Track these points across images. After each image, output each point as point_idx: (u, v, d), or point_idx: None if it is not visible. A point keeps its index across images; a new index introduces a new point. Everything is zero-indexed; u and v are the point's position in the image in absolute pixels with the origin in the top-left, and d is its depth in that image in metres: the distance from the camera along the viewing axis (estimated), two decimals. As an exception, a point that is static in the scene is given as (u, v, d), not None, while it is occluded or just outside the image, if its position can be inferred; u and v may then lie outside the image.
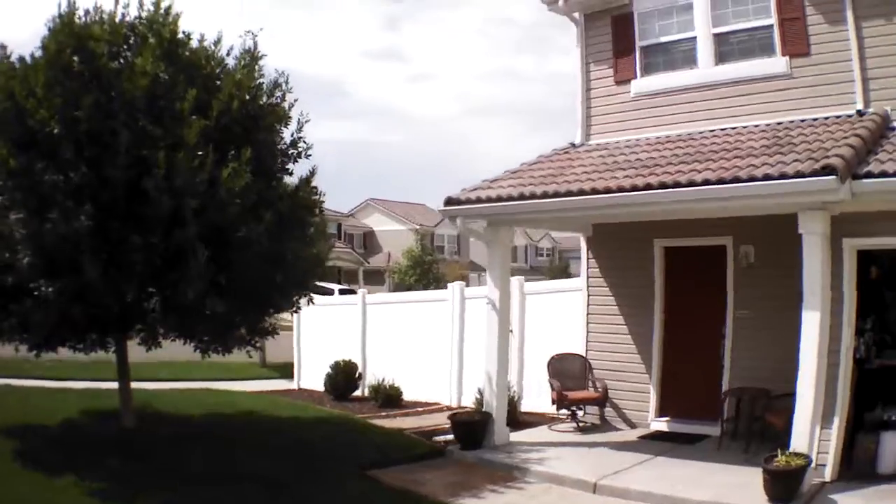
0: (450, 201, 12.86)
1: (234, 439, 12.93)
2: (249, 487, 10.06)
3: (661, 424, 13.51)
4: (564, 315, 15.40)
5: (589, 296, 14.65)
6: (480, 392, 13.94)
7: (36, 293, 10.22)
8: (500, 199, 12.36)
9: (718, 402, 12.52)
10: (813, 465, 9.79)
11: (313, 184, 12.69)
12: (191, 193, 10.18)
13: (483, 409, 13.17)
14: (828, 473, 10.36)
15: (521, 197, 12.08)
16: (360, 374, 20.07)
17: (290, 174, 12.57)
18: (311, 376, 22.27)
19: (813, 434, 9.79)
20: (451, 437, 13.19)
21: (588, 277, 14.72)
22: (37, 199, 10.12)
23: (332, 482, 10.74)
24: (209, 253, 10.39)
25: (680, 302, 13.65)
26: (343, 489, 10.49)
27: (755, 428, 11.60)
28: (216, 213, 10.53)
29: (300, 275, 12.42)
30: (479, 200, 12.57)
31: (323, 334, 22.84)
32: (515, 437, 13.30)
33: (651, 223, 13.12)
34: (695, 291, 13.46)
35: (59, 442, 11.69)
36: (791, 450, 9.60)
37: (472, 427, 12.86)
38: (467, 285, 20.99)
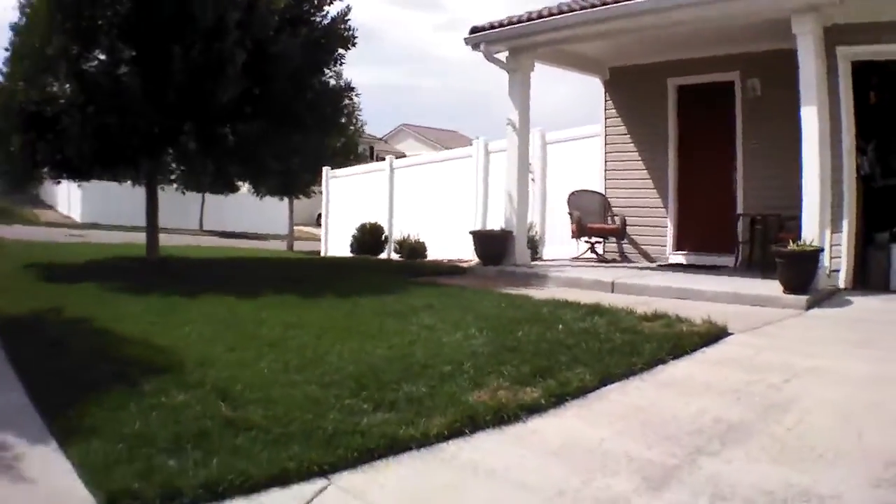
0: (475, 29, 13.33)
1: (257, 265, 13.76)
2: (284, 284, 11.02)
3: (679, 258, 13.91)
4: (584, 162, 15.83)
5: (607, 136, 15.05)
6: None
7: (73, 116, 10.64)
8: (520, 20, 12.79)
9: (733, 234, 12.86)
10: (826, 264, 10.26)
11: (348, 19, 13.25)
12: (233, 6, 10.65)
13: (505, 228, 13.47)
14: (841, 281, 10.84)
15: (540, 16, 12.52)
16: (386, 238, 20.59)
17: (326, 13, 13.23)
18: (338, 244, 22.90)
19: (822, 233, 10.18)
20: (475, 262, 13.60)
21: (606, 119, 15.11)
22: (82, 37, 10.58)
23: (364, 278, 11.20)
24: (246, 59, 10.83)
25: (692, 138, 14.07)
26: (377, 279, 11.21)
27: (769, 253, 11.78)
28: (256, 26, 10.97)
29: (327, 109, 13.22)
30: (500, 25, 13.02)
31: (350, 204, 23.58)
32: (536, 263, 13.82)
33: (664, 64, 13.80)
34: (706, 127, 13.87)
35: (86, 268, 13.22)
36: (802, 241, 9.98)
37: (492, 240, 13.27)
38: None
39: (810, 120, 10.21)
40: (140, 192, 14.34)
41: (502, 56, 13.65)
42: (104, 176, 13.36)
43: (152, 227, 13.37)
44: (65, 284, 11.67)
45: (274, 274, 13.80)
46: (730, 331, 8.19)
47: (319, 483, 4.69)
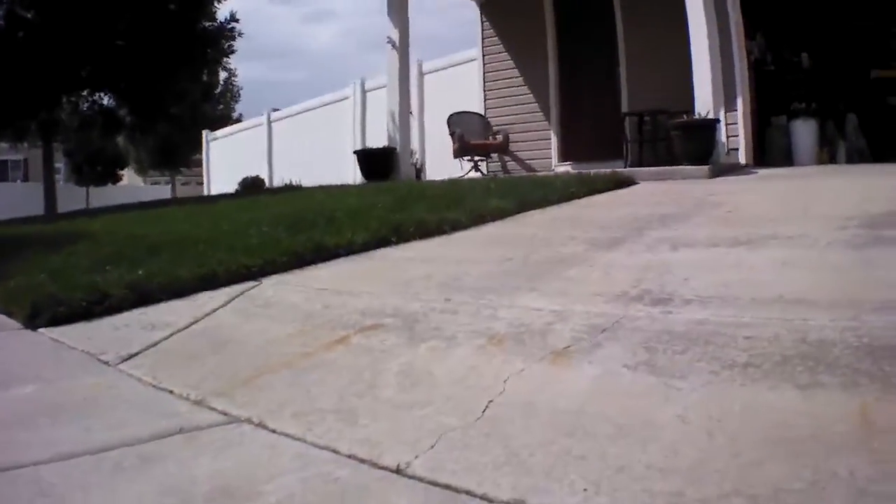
0: None
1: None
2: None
3: (566, 167, 13.55)
4: (463, 89, 15.31)
5: (485, 57, 14.66)
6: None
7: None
8: None
9: (622, 138, 12.65)
10: (724, 140, 10.10)
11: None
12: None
13: (388, 146, 13.10)
14: (742, 157, 10.62)
15: None
16: (267, 188, 19.78)
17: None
18: None
19: (717, 109, 9.93)
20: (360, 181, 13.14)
21: (483, 41, 14.73)
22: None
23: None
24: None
25: (573, 48, 13.73)
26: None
27: (660, 151, 11.62)
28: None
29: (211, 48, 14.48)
30: None
31: (231, 162, 23.16)
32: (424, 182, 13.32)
33: None
34: (587, 35, 13.52)
35: None
36: (696, 114, 9.74)
37: (376, 158, 12.84)
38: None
39: (695, -1, 9.99)
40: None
41: None
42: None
43: (50, 185, 13.34)
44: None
45: (164, 203, 14.07)
46: (637, 181, 8.04)
47: (251, 283, 4.59)
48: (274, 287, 4.54)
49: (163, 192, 35.62)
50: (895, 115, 11.28)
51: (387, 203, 6.75)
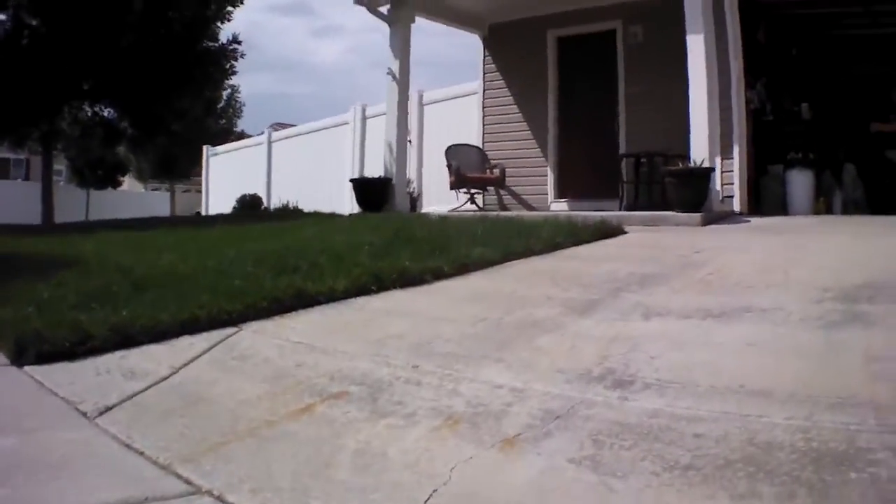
0: None
1: (147, 221, 14.01)
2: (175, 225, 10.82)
3: (562, 205, 13.66)
4: (462, 121, 15.46)
5: (485, 91, 14.80)
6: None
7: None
8: None
9: (617, 178, 12.70)
10: (718, 188, 10.20)
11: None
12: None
13: (385, 176, 13.21)
14: (736, 205, 10.69)
15: None
16: (265, 208, 20.44)
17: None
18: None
19: (713, 157, 9.96)
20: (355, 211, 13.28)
21: (484, 75, 14.87)
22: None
23: (247, 219, 11.19)
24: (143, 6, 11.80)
25: (573, 87, 13.90)
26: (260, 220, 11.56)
27: (655, 194, 11.69)
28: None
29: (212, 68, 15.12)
30: None
31: (230, 179, 23.41)
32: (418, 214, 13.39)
33: (545, 17, 13.68)
34: (588, 76, 13.71)
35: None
36: (691, 161, 9.79)
37: (372, 187, 12.95)
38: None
39: (696, 48, 10.04)
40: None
41: (384, 9, 13.54)
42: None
43: (48, 194, 13.58)
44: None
45: (162, 222, 14.14)
46: (626, 230, 8.07)
47: (230, 330, 4.65)
48: (252, 336, 4.57)
49: (162, 199, 36.01)
50: (893, 169, 11.36)
51: (374, 244, 6.76)
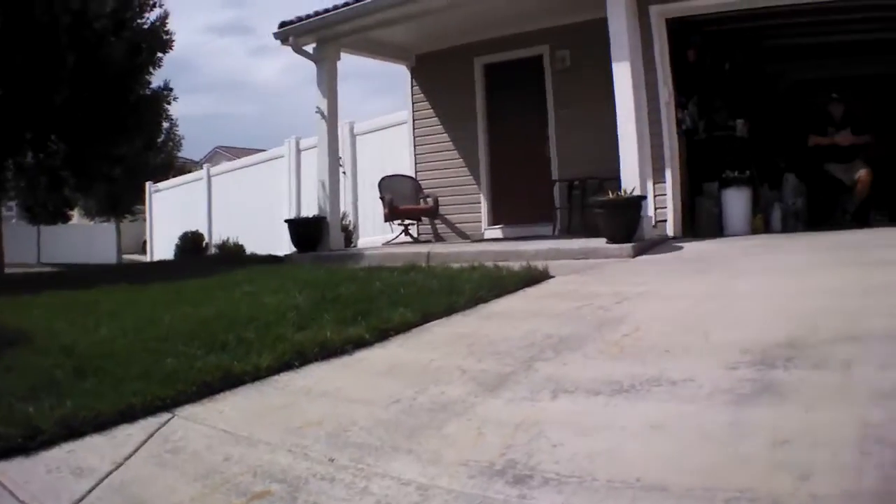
0: (283, 24, 13.28)
1: (88, 269, 14.16)
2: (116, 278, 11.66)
3: (496, 232, 13.68)
4: (393, 151, 15.62)
5: (415, 121, 14.84)
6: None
7: None
8: (326, 10, 12.74)
9: (550, 203, 12.71)
10: (651, 213, 10.22)
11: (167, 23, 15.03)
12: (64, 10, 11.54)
13: (319, 215, 13.26)
14: (670, 229, 10.74)
15: (346, 4, 12.44)
16: (206, 244, 20.95)
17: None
18: (164, 253, 23.25)
19: (644, 183, 10.02)
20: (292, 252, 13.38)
21: (413, 105, 14.94)
22: None
23: (188, 268, 12.26)
24: (75, 61, 11.73)
25: (503, 114, 13.97)
26: (200, 268, 12.04)
27: (589, 218, 11.56)
28: (86, 30, 11.96)
29: (147, 115, 15.16)
30: (307, 17, 12.97)
31: (173, 215, 23.94)
32: (351, 249, 13.77)
33: (471, 45, 13.80)
34: (517, 102, 13.79)
35: None
36: (622, 190, 9.71)
37: (307, 227, 13.02)
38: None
39: (622, 74, 10.03)
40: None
41: (310, 48, 13.53)
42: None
43: None
44: None
45: (105, 273, 13.78)
46: (552, 274, 7.96)
47: (164, 416, 4.82)
48: (184, 425, 4.71)
49: (110, 231, 37.34)
50: (832, 182, 11.40)
51: (300, 308, 6.96)
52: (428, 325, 6.31)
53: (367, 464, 3.69)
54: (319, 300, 7.27)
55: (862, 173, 11.42)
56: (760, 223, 11.11)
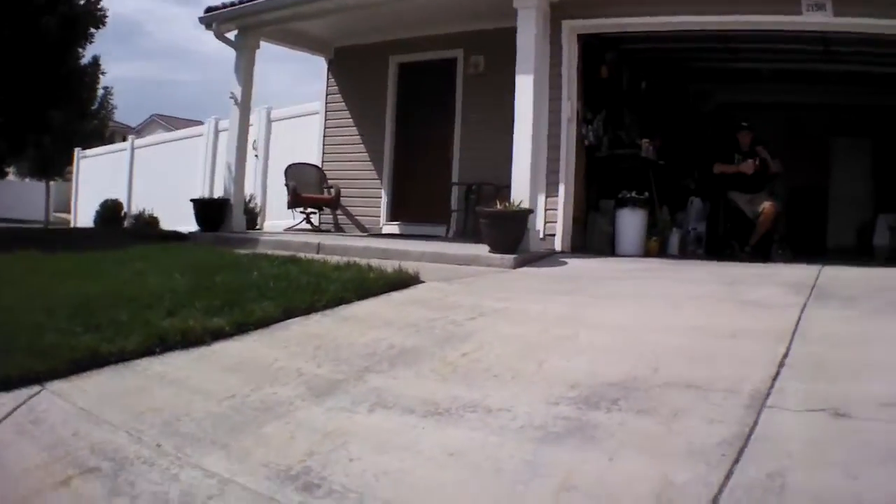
0: (209, 9, 13.36)
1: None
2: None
3: (393, 227, 13.86)
4: (306, 139, 15.75)
5: (327, 112, 15.07)
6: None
7: None
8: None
9: (449, 205, 12.89)
10: (539, 227, 10.40)
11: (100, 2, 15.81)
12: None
13: (224, 196, 13.54)
14: (559, 244, 10.84)
15: None
16: (125, 213, 21.46)
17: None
18: (86, 221, 23.28)
19: (535, 196, 10.21)
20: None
21: (327, 97, 15.19)
22: None
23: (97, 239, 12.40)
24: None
25: (412, 114, 14.15)
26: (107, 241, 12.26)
27: (480, 224, 11.74)
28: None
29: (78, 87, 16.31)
30: (231, 4, 13.06)
31: (98, 183, 24.26)
32: (252, 231, 13.90)
33: (388, 43, 14.01)
34: (427, 103, 13.94)
35: None
36: (511, 202, 9.85)
37: (211, 208, 13.26)
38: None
39: (524, 87, 10.20)
40: None
41: (231, 35, 13.63)
42: None
43: None
44: None
45: (19, 239, 13.48)
46: (422, 279, 8.08)
47: (35, 389, 5.04)
48: (50, 399, 4.92)
49: (39, 191, 37.19)
50: (736, 212, 11.54)
51: (176, 293, 7.25)
52: (288, 321, 6.50)
53: (186, 453, 3.86)
54: (196, 286, 7.51)
55: (766, 206, 11.44)
56: (656, 245, 11.21)
